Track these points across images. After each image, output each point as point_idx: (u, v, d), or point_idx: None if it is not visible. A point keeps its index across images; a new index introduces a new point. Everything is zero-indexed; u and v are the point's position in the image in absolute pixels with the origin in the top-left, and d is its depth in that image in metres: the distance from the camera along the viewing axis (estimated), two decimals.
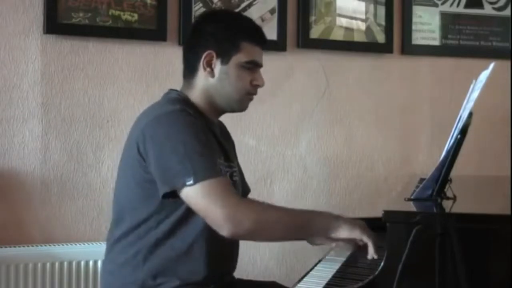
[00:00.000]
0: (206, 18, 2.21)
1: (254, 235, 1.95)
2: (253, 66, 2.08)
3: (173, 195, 1.91)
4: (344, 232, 1.90)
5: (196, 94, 2.08)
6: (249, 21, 2.17)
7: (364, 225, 1.94)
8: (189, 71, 2.10)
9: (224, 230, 1.86)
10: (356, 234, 1.90)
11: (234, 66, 2.05)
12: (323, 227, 1.91)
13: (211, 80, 2.06)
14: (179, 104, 2.00)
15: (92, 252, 2.79)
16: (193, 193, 1.88)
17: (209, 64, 2.05)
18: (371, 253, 1.87)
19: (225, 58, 2.05)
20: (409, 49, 3.40)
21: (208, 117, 2.08)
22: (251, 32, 2.09)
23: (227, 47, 2.05)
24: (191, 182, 1.86)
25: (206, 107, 2.08)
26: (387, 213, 1.80)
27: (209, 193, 1.87)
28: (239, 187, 2.16)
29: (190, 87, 2.09)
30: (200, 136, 1.93)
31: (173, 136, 1.91)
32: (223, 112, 2.14)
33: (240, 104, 2.10)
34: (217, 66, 2.05)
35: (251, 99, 2.12)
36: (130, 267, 1.99)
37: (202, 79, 2.07)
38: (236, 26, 2.09)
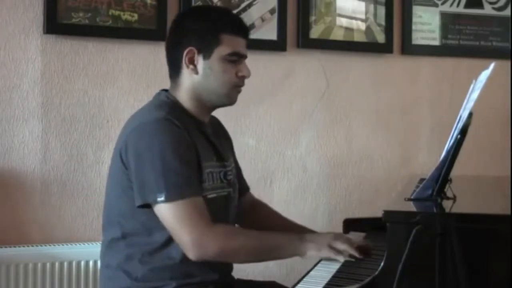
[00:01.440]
0: (184, 15, 2.19)
1: (220, 260, 1.98)
2: (237, 57, 2.04)
3: (148, 206, 1.93)
4: (312, 253, 1.96)
5: (183, 94, 2.06)
6: (227, 12, 2.14)
7: (332, 237, 1.98)
8: (174, 70, 2.08)
9: (189, 253, 1.91)
10: (324, 253, 1.95)
11: (217, 59, 2.02)
12: (292, 251, 1.97)
13: (196, 77, 2.04)
14: (166, 109, 1.99)
15: (92, 252, 2.79)
16: (164, 211, 1.90)
17: (191, 61, 2.03)
18: (343, 259, 1.94)
19: (206, 52, 2.02)
20: (409, 49, 3.40)
21: (197, 118, 2.07)
22: (230, 23, 2.05)
23: (207, 41, 2.02)
24: (162, 199, 1.89)
25: (195, 108, 2.06)
26: (387, 213, 1.80)
27: (179, 214, 1.89)
28: (234, 186, 2.15)
29: (177, 87, 2.07)
30: (180, 151, 1.92)
31: (153, 149, 1.91)
32: (213, 108, 2.12)
33: (229, 98, 2.08)
34: (200, 62, 2.03)
35: (239, 91, 2.09)
36: (126, 272, 1.99)
37: (187, 77, 2.05)
38: (213, 19, 2.05)
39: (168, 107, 2.01)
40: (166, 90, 2.12)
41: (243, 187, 2.31)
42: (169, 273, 1.97)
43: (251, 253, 1.98)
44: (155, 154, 1.91)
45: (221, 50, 2.02)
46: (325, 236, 2.02)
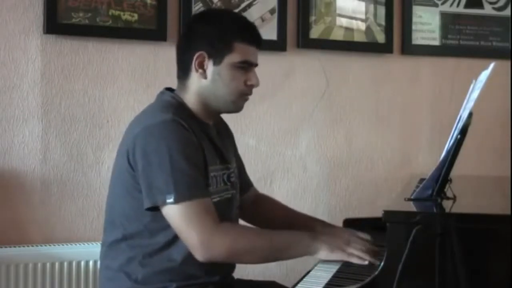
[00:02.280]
0: (198, 18, 2.16)
1: (228, 261, 1.98)
2: (247, 66, 2.03)
3: (156, 208, 1.92)
4: (323, 254, 1.94)
5: (190, 97, 2.05)
6: (242, 20, 2.11)
7: (346, 240, 1.97)
8: (182, 72, 2.07)
9: (198, 254, 1.89)
10: (337, 255, 1.94)
11: (227, 66, 2.01)
12: (303, 251, 1.95)
13: (204, 81, 2.03)
14: (172, 110, 1.98)
15: (92, 252, 2.79)
16: (173, 212, 1.89)
17: (201, 65, 2.02)
18: (361, 263, 1.92)
19: (217, 58, 2.01)
20: (409, 49, 3.40)
21: (202, 120, 2.06)
22: (244, 32, 2.04)
23: (219, 47, 2.01)
24: (171, 200, 1.88)
25: (200, 111, 2.06)
26: (387, 213, 1.80)
27: (188, 215, 1.88)
28: (237, 187, 2.15)
29: (184, 89, 2.07)
30: (187, 152, 1.92)
31: (161, 150, 1.90)
32: (219, 113, 2.12)
33: (235, 105, 2.07)
34: (210, 67, 2.02)
35: (246, 100, 2.08)
36: (126, 273, 1.99)
37: (195, 80, 2.04)
38: (228, 26, 2.04)
39: (173, 108, 2.00)
40: (169, 89, 2.11)
41: (247, 183, 2.31)
42: (169, 275, 1.97)
43: (260, 253, 1.96)
44: (163, 155, 1.90)
45: (232, 58, 2.01)
46: (338, 238, 2.00)
